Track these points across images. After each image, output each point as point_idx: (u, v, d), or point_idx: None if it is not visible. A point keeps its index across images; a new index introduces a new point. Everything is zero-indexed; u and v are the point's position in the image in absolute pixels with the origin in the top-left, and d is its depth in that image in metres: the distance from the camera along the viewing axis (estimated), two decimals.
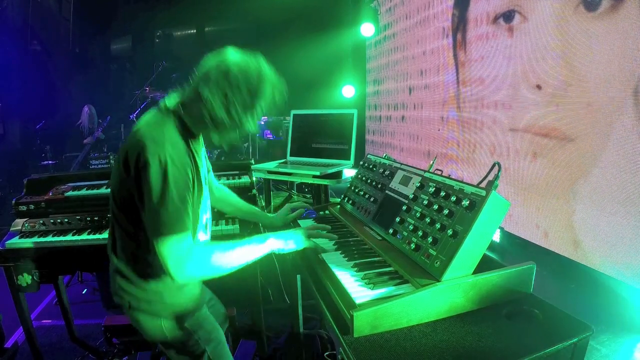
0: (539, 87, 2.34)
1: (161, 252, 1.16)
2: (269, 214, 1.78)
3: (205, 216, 1.43)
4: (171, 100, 1.30)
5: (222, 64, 1.22)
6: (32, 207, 2.03)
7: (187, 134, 1.28)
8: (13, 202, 2.04)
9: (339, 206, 1.80)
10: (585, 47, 2.00)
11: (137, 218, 1.23)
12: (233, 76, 1.20)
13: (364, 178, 1.69)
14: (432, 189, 1.24)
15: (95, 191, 2.10)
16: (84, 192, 2.10)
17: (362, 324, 0.95)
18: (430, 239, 1.12)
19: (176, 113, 1.27)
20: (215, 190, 1.70)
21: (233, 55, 1.25)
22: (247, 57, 1.26)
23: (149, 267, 1.31)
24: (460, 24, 3.21)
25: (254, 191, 2.23)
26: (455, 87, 3.27)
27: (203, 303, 1.49)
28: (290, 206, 1.76)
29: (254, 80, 1.22)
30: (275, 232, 1.37)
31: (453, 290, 1.02)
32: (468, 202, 1.08)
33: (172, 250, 1.16)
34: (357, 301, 1.01)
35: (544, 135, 2.30)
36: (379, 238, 1.39)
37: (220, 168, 2.41)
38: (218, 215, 2.02)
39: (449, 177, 1.24)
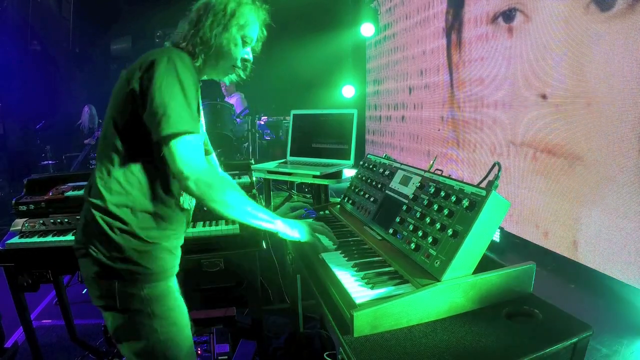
0: (543, 96, 2.21)
1: (172, 153, 1.07)
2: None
3: None
4: (167, 43, 1.34)
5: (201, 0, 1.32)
6: (32, 207, 2.03)
7: None
8: (13, 202, 2.03)
9: (339, 206, 1.80)
10: (597, 52, 1.82)
11: (140, 141, 1.15)
12: (211, 3, 1.28)
13: (364, 178, 1.69)
14: (432, 189, 1.24)
15: None
16: (84, 192, 2.10)
17: (362, 324, 0.95)
18: (430, 239, 1.12)
19: (177, 47, 1.29)
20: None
21: None
22: None
23: (139, 194, 1.18)
24: (454, 23, 3.18)
25: (254, 191, 2.23)
26: (449, 90, 3.26)
27: (174, 273, 1.29)
28: (290, 205, 1.76)
29: (232, 5, 1.28)
30: (283, 218, 1.32)
31: (453, 290, 1.02)
32: (468, 202, 1.08)
33: (184, 149, 1.07)
34: (357, 301, 1.01)
35: (547, 152, 2.18)
36: (379, 238, 1.39)
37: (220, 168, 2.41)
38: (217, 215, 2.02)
39: (449, 177, 1.24)
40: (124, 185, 1.17)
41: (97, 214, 1.17)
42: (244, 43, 1.33)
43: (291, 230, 1.30)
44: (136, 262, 1.16)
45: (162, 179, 1.21)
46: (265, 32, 1.41)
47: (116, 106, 1.19)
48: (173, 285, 1.27)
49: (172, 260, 1.27)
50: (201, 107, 1.34)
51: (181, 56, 1.17)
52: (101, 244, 1.16)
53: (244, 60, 1.35)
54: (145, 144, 1.15)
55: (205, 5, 1.30)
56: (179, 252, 1.32)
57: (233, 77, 1.40)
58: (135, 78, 1.13)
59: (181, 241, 1.34)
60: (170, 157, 1.08)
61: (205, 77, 1.39)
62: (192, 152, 1.10)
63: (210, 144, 1.57)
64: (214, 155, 1.65)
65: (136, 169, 1.18)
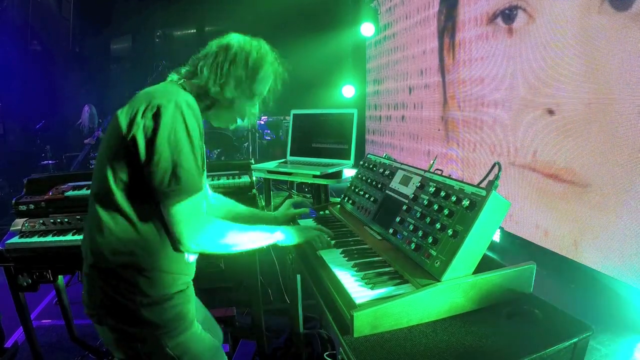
0: (550, 112, 2.01)
1: (174, 214, 1.03)
2: (270, 212, 1.75)
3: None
4: (173, 76, 1.25)
5: (223, 41, 1.24)
6: (32, 207, 2.03)
7: None
8: (13, 202, 2.03)
9: (339, 206, 1.80)
10: (615, 59, 1.58)
11: (138, 189, 1.07)
12: (232, 51, 1.20)
13: (364, 178, 1.69)
14: (432, 189, 1.24)
15: None
16: (84, 192, 2.10)
17: (362, 324, 0.95)
18: (430, 239, 1.12)
19: (181, 86, 1.22)
20: (211, 198, 1.60)
21: (237, 36, 1.26)
22: (252, 39, 1.26)
23: (140, 242, 1.10)
24: (447, 23, 3.11)
25: (254, 191, 2.23)
26: (442, 97, 3.23)
27: (193, 317, 1.23)
28: (291, 202, 1.75)
29: (253, 57, 1.21)
30: (283, 227, 1.37)
31: (453, 290, 1.02)
32: (468, 202, 1.08)
33: (187, 212, 1.03)
34: (357, 301, 1.01)
35: (552, 177, 1.98)
36: (379, 238, 1.39)
37: (220, 168, 2.41)
38: None
39: (449, 177, 1.24)
40: (125, 242, 1.08)
41: (94, 276, 1.11)
42: (254, 96, 1.27)
43: (291, 238, 1.34)
44: (151, 321, 1.10)
45: (162, 226, 1.12)
46: (279, 86, 1.34)
47: (109, 153, 1.09)
48: (195, 329, 1.22)
49: (188, 304, 1.20)
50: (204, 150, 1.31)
51: (188, 102, 1.08)
52: (112, 307, 1.10)
53: (250, 114, 1.31)
54: (144, 193, 1.07)
55: (225, 50, 1.21)
56: (191, 290, 1.26)
57: (231, 126, 1.36)
58: (137, 123, 1.03)
59: (191, 276, 1.27)
60: (170, 217, 1.05)
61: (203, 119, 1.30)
62: (193, 213, 1.06)
63: (208, 186, 1.50)
64: (212, 192, 1.60)
65: (135, 219, 1.09)
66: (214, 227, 1.15)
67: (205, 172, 1.28)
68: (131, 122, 1.04)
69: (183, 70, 1.26)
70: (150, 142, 1.02)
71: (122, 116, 1.08)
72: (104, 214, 1.09)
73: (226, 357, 1.34)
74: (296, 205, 1.73)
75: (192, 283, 1.29)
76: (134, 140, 1.03)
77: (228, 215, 1.58)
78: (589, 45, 1.81)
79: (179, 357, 1.13)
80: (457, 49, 3.10)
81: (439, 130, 3.53)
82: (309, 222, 1.67)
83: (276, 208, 1.79)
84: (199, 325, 1.26)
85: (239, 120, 1.33)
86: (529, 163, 2.21)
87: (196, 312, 1.30)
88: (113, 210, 1.08)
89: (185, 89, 1.19)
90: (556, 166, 2.01)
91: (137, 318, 1.09)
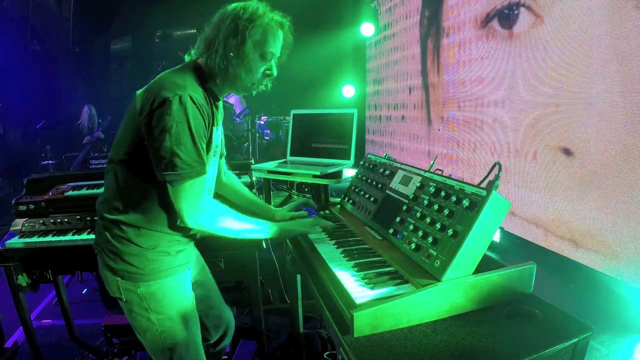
0: (567, 151, 1.68)
1: (177, 195, 1.16)
2: (271, 208, 1.75)
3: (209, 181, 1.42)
4: (187, 57, 1.34)
5: (220, 12, 1.28)
6: (32, 207, 2.03)
7: (208, 92, 1.28)
8: (13, 202, 2.03)
9: (339, 206, 1.80)
10: None
11: (146, 164, 1.20)
12: (224, 15, 1.25)
13: (364, 178, 1.69)
14: (432, 189, 1.24)
15: (95, 191, 2.10)
16: (84, 191, 2.10)
17: (362, 324, 0.95)
18: (430, 239, 1.12)
19: (194, 66, 1.28)
20: (223, 175, 1.69)
21: (232, 6, 1.28)
22: (243, 3, 1.27)
23: (145, 213, 1.27)
24: (431, 27, 2.95)
25: (254, 191, 2.23)
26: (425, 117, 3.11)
27: (172, 273, 1.35)
28: (296, 204, 1.76)
29: (245, 14, 1.23)
30: (280, 223, 1.43)
31: (453, 290, 1.02)
32: (468, 202, 1.08)
33: (185, 194, 1.16)
34: (357, 301, 1.01)
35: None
36: (379, 238, 1.39)
37: None
38: None
39: (449, 177, 1.24)
40: (126, 202, 1.27)
41: (100, 223, 1.32)
42: (264, 59, 1.28)
43: (285, 234, 1.43)
44: (131, 263, 1.28)
45: (164, 199, 1.25)
46: (291, 39, 1.34)
47: (127, 128, 1.25)
48: (171, 284, 1.35)
49: (169, 261, 1.34)
50: (218, 133, 1.38)
51: (192, 96, 1.15)
52: (107, 247, 1.30)
53: (265, 74, 1.31)
54: (149, 168, 1.19)
55: (219, 22, 1.26)
56: (181, 254, 1.38)
57: (253, 92, 1.40)
58: (145, 112, 1.16)
59: (184, 245, 1.40)
60: (173, 197, 1.18)
61: (225, 94, 1.40)
62: (193, 195, 1.19)
63: (224, 147, 1.60)
64: (224, 160, 1.68)
65: (140, 187, 1.26)
66: (214, 210, 1.27)
67: (216, 155, 1.40)
68: (142, 108, 1.17)
69: (193, 51, 1.33)
70: (153, 130, 1.13)
71: (139, 99, 1.21)
72: (111, 177, 1.28)
73: (199, 324, 1.45)
74: (298, 208, 1.74)
75: (185, 250, 1.40)
76: (142, 124, 1.17)
77: (232, 194, 1.72)
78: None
79: (145, 297, 1.30)
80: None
81: (439, 130, 3.53)
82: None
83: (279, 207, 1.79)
84: (182, 282, 1.38)
85: (260, 87, 1.36)
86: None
87: (195, 274, 1.52)
88: (120, 171, 1.26)
89: (198, 70, 1.27)
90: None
91: (120, 258, 1.28)
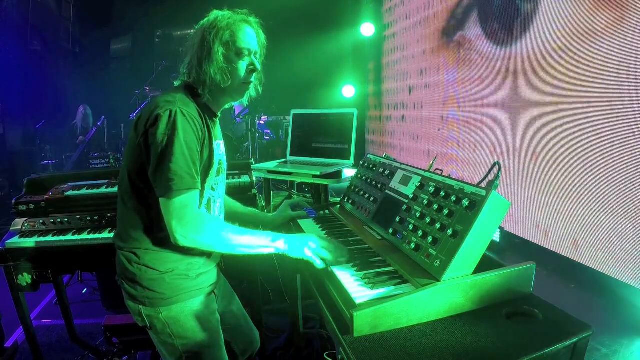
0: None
1: (166, 209, 1.14)
2: (269, 214, 1.76)
3: (217, 200, 1.42)
4: (177, 81, 1.38)
5: (192, 33, 1.34)
6: (32, 206, 2.03)
7: (202, 107, 1.30)
8: (13, 201, 2.03)
9: (339, 206, 1.80)
10: None
11: (149, 189, 1.21)
12: (193, 35, 1.32)
13: (364, 178, 1.69)
14: (432, 189, 1.24)
15: (95, 191, 2.10)
16: (84, 191, 2.10)
17: (362, 324, 0.95)
18: (430, 239, 1.12)
19: (185, 86, 1.32)
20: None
21: (200, 25, 1.34)
22: (207, 19, 1.33)
23: (154, 238, 1.28)
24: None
25: (254, 191, 2.23)
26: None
27: (194, 295, 1.34)
28: (289, 202, 1.75)
29: (208, 23, 1.29)
30: (288, 235, 1.30)
31: (453, 290, 1.02)
32: (468, 202, 1.08)
33: (175, 208, 1.14)
34: (357, 301, 1.01)
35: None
36: (379, 238, 1.39)
37: None
38: None
39: (449, 177, 1.24)
40: (138, 228, 1.28)
41: (119, 254, 1.33)
42: (240, 55, 1.30)
43: (295, 250, 1.25)
44: (150, 288, 1.28)
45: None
46: (260, 32, 1.37)
47: (128, 153, 1.27)
48: (193, 307, 1.33)
49: (189, 284, 1.33)
50: (220, 148, 1.39)
51: (183, 110, 1.18)
52: (126, 275, 1.31)
53: (249, 70, 1.32)
54: (154, 190, 1.20)
55: (190, 43, 1.32)
56: (202, 276, 1.37)
57: (252, 91, 1.41)
58: (141, 132, 1.19)
59: (205, 268, 1.38)
60: (163, 212, 1.17)
61: (227, 106, 1.42)
62: (183, 209, 1.15)
63: (226, 163, 1.50)
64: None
65: (149, 211, 1.26)
66: (207, 225, 1.20)
67: (221, 173, 1.41)
68: (138, 129, 1.21)
69: (181, 71, 1.35)
70: (149, 147, 1.17)
71: (136, 121, 1.25)
72: (121, 207, 1.31)
73: (224, 349, 1.41)
74: (294, 207, 1.73)
75: (206, 265, 1.38)
76: (141, 143, 1.20)
77: (227, 214, 1.59)
78: None
79: (169, 324, 1.30)
80: None
81: (439, 130, 3.53)
82: (309, 222, 1.67)
83: (276, 208, 1.79)
84: (206, 306, 1.36)
85: (251, 85, 1.37)
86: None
87: (220, 299, 1.50)
88: (130, 203, 1.28)
89: (189, 88, 1.31)
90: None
91: (140, 284, 1.29)
